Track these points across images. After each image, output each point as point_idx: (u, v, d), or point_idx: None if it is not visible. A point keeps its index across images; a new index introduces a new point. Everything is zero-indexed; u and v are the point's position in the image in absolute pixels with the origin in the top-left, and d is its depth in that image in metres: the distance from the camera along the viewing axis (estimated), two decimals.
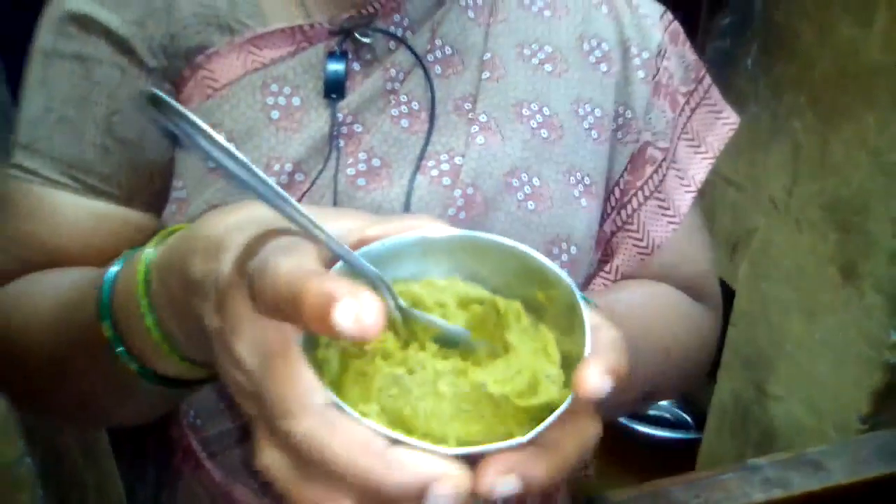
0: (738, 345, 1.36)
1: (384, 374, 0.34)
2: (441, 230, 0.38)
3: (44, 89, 0.57)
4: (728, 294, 1.36)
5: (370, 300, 0.29)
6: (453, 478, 0.29)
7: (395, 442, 0.30)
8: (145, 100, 0.30)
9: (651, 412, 1.69)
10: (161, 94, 0.30)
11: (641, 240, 0.65)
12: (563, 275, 0.37)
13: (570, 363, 0.35)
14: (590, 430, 0.34)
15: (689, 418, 1.69)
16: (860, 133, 1.02)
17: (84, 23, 0.56)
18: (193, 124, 0.30)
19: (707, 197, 1.41)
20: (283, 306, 0.30)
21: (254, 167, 0.31)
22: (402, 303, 0.36)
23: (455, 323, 0.38)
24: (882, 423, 1.09)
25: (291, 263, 0.31)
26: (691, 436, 1.64)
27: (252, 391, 0.32)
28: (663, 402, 1.71)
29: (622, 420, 1.65)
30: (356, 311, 0.29)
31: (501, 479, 0.30)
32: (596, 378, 0.32)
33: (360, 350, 0.35)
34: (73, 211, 0.56)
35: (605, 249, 0.67)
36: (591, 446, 0.34)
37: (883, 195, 0.99)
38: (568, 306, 0.37)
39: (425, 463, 0.29)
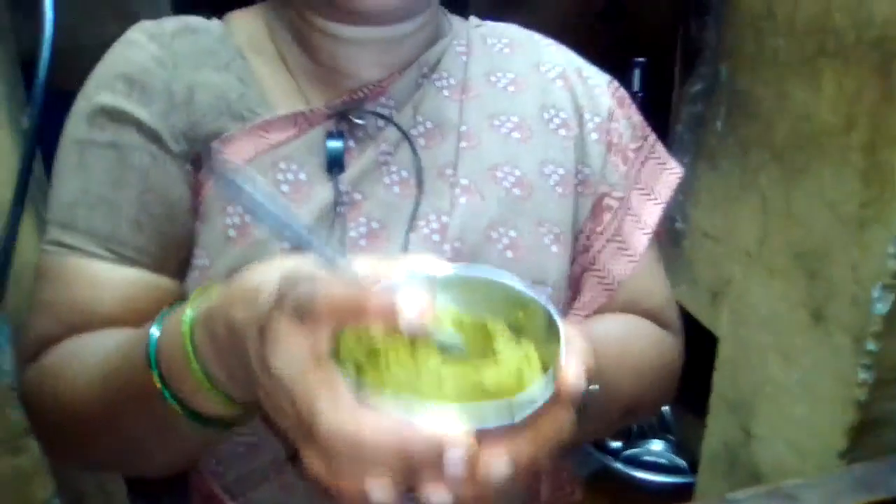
0: (724, 389, 1.42)
1: (396, 377, 0.42)
2: (437, 268, 0.47)
3: (80, 174, 0.64)
4: (712, 341, 1.43)
5: (424, 296, 0.38)
6: (465, 441, 0.37)
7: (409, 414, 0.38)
8: (218, 178, 0.40)
9: (646, 458, 1.73)
10: (215, 162, 0.39)
11: (605, 277, 0.74)
12: (538, 297, 0.47)
13: (548, 368, 0.44)
14: (565, 418, 0.43)
15: (683, 463, 1.74)
16: (818, 187, 1.11)
17: (116, 115, 0.64)
18: (240, 186, 0.39)
19: (687, 249, 1.50)
20: (345, 314, 0.39)
21: (291, 215, 0.41)
22: None
23: (450, 340, 0.46)
24: (858, 459, 1.14)
25: (340, 283, 0.39)
26: (687, 480, 1.69)
27: (287, 402, 0.40)
28: (658, 448, 1.76)
29: (619, 466, 1.70)
30: (416, 303, 0.38)
31: (497, 462, 0.38)
32: (574, 376, 0.41)
33: (374, 360, 0.43)
34: (111, 280, 0.63)
35: (574, 288, 0.76)
36: (567, 431, 0.43)
37: (842, 243, 1.07)
38: (544, 322, 0.45)
39: (442, 429, 0.37)
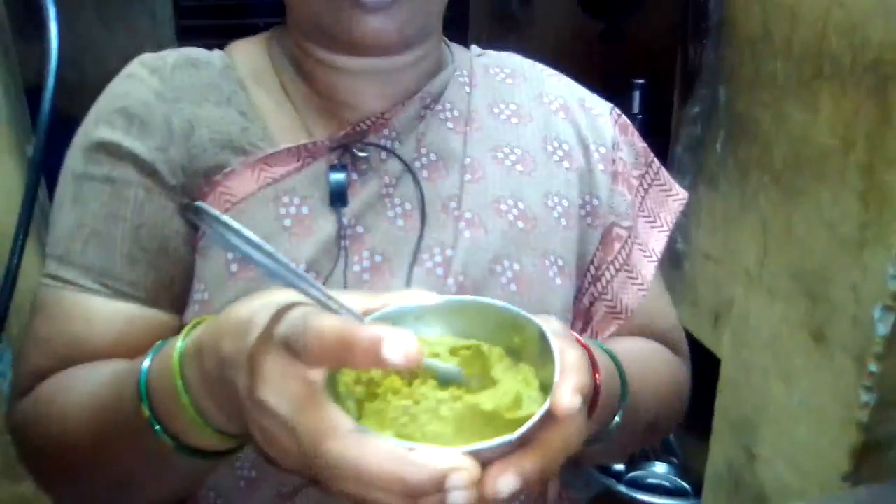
0: (727, 411, 1.42)
1: (395, 407, 0.42)
2: (428, 298, 0.47)
3: (76, 207, 0.64)
4: (714, 362, 1.42)
5: (409, 336, 0.37)
6: (466, 468, 0.37)
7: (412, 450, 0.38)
8: (191, 210, 0.40)
9: (650, 480, 1.73)
10: (202, 205, 0.39)
11: (615, 307, 0.74)
12: (529, 316, 0.46)
13: (547, 388, 0.44)
14: (572, 430, 0.42)
15: (687, 486, 1.73)
16: (817, 208, 1.12)
17: (112, 150, 0.64)
18: (228, 226, 0.39)
19: (688, 270, 1.50)
20: (333, 353, 0.38)
21: (279, 255, 0.40)
22: None
23: (447, 370, 0.45)
24: (862, 481, 1.14)
25: (330, 320, 0.39)
26: (691, 503, 1.68)
27: (285, 434, 0.40)
28: (662, 470, 1.75)
29: (622, 489, 1.69)
30: (402, 346, 0.37)
31: (503, 478, 0.38)
32: (567, 396, 0.41)
33: (373, 393, 0.44)
34: (105, 314, 0.63)
35: (585, 318, 0.76)
36: (575, 443, 0.43)
37: (841, 264, 1.07)
38: (539, 341, 0.45)
39: (442, 459, 0.37)
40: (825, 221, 1.10)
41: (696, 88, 1.43)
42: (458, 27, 2.37)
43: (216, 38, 0.75)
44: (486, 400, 0.43)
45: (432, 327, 0.48)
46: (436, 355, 0.46)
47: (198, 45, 0.72)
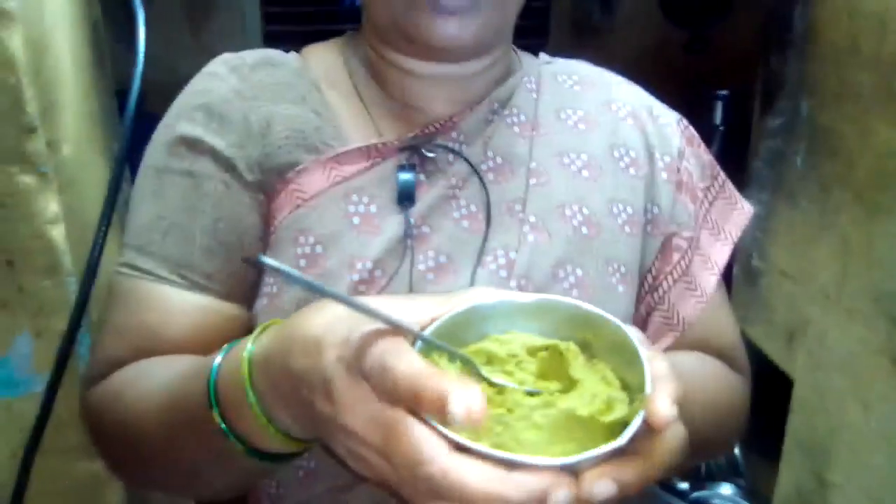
0: (799, 434, 1.37)
1: (488, 417, 0.42)
2: (494, 295, 0.48)
3: (156, 200, 0.66)
4: (786, 382, 1.38)
5: (475, 393, 0.38)
6: (566, 483, 0.38)
7: (512, 464, 0.38)
8: (253, 262, 0.41)
9: (715, 501, 1.67)
10: (263, 259, 0.40)
11: (672, 318, 0.73)
12: (610, 316, 0.46)
13: (627, 387, 0.44)
14: (675, 441, 0.42)
15: None
16: None
17: (193, 145, 0.66)
18: (290, 274, 0.40)
19: (763, 288, 1.45)
20: (406, 400, 0.39)
21: (343, 295, 0.41)
22: (479, 367, 0.46)
23: (527, 368, 0.46)
24: None
25: (405, 366, 0.39)
26: None
27: (376, 458, 0.41)
28: (728, 492, 1.70)
29: None
30: (465, 403, 0.37)
31: (600, 484, 0.39)
32: (665, 406, 0.41)
33: None
34: (181, 304, 0.64)
35: (641, 328, 0.75)
36: (679, 454, 0.43)
37: None
38: (617, 342, 0.45)
39: (542, 476, 0.38)
40: None
41: (778, 101, 1.39)
42: (539, 36, 2.36)
43: (302, 43, 0.76)
44: (580, 405, 0.43)
45: (498, 324, 0.48)
46: (514, 355, 0.47)
47: (283, 51, 0.74)
